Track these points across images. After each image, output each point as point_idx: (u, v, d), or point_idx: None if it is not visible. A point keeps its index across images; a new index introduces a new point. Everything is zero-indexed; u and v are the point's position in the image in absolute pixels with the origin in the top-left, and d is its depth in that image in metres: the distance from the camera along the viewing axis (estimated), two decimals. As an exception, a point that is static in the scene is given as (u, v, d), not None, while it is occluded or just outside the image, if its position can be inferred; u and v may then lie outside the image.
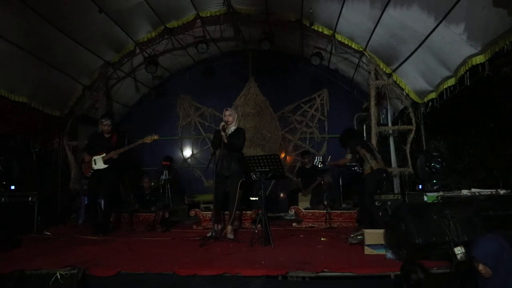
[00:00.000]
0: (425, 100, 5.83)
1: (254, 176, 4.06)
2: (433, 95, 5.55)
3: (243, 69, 8.16)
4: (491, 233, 2.48)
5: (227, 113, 4.41)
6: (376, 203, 4.89)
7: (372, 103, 6.13)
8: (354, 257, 3.15)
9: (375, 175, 4.58)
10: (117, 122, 8.21)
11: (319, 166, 5.22)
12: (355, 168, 5.12)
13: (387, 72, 6.18)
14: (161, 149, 7.84)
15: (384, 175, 4.60)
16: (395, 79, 6.16)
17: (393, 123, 6.68)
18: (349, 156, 4.76)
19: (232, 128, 4.42)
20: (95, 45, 6.29)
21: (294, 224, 5.63)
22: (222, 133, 4.23)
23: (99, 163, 5.00)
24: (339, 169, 6.21)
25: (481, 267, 2.15)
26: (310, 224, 5.56)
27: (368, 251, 3.29)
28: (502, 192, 3.81)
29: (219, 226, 4.39)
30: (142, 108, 8.67)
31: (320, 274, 2.66)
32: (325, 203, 5.55)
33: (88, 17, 5.51)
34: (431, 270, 2.46)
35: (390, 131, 6.41)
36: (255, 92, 7.95)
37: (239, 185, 4.33)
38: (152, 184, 6.43)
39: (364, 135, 6.93)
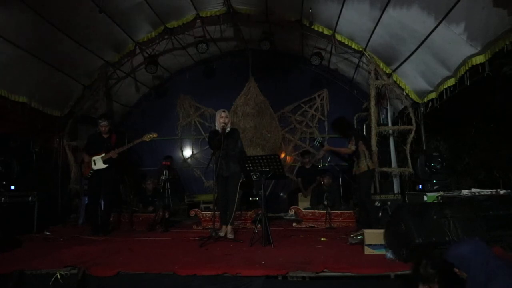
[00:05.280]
0: (425, 100, 5.83)
1: (254, 176, 4.06)
2: (433, 95, 5.55)
3: (243, 69, 8.14)
4: (470, 237, 2.44)
5: (224, 114, 4.39)
6: (376, 203, 4.91)
7: (372, 103, 6.13)
8: (354, 257, 3.14)
9: (371, 174, 4.65)
10: (117, 122, 8.23)
11: (317, 145, 5.04)
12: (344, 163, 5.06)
13: (387, 72, 6.18)
14: (161, 149, 7.85)
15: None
16: (395, 79, 6.15)
17: (393, 123, 6.67)
18: (353, 148, 4.55)
19: (227, 129, 4.42)
20: (95, 45, 6.29)
21: (294, 224, 5.63)
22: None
23: (98, 163, 5.01)
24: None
25: (455, 269, 2.12)
26: (310, 224, 5.56)
27: (368, 251, 3.29)
28: (502, 192, 3.82)
29: (223, 227, 4.36)
30: (142, 108, 8.66)
31: (320, 274, 2.66)
32: (325, 203, 5.56)
33: (88, 17, 5.51)
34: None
35: (390, 131, 6.40)
36: (255, 92, 7.93)
37: (238, 185, 4.33)
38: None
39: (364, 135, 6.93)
